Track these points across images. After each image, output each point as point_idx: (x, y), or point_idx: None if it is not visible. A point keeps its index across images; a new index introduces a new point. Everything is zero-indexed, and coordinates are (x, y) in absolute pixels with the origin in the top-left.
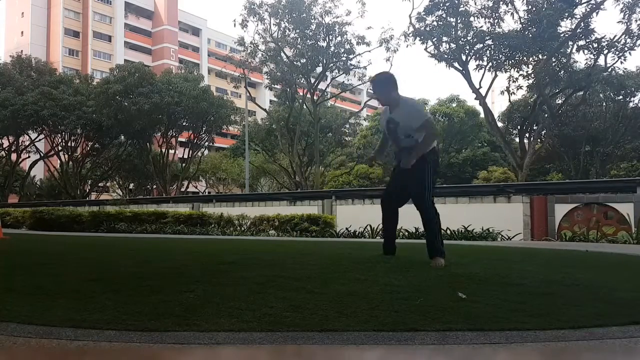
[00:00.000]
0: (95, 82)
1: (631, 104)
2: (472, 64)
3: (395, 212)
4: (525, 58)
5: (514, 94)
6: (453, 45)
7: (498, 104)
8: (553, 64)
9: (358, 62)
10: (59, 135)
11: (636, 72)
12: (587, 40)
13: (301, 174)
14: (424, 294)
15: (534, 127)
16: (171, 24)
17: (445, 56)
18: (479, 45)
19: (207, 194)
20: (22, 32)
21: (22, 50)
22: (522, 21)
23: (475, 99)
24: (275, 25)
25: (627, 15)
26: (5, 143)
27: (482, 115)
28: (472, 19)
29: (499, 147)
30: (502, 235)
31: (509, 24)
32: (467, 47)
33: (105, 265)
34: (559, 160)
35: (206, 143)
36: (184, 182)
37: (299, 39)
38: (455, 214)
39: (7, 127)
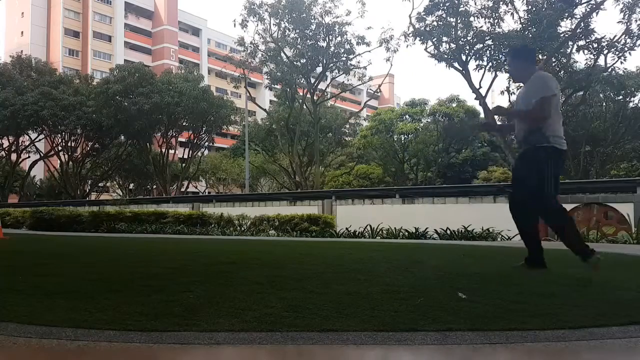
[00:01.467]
0: (95, 82)
1: (631, 104)
2: (472, 64)
3: (525, 213)
4: None
5: (514, 94)
6: (453, 45)
7: (498, 104)
8: (553, 64)
9: (358, 62)
10: (59, 135)
11: (636, 72)
12: (587, 40)
13: (301, 174)
14: (424, 294)
15: None
16: (171, 24)
17: (445, 56)
18: (479, 45)
19: (207, 194)
20: (22, 32)
21: (22, 51)
22: (522, 21)
23: (475, 99)
24: (275, 25)
25: (627, 15)
26: (5, 143)
27: (482, 115)
28: (472, 19)
29: (499, 147)
30: (502, 235)
31: (509, 24)
32: (467, 47)
33: (105, 265)
34: None
35: (206, 143)
36: (184, 182)
37: (299, 39)
38: (455, 214)
39: (7, 127)
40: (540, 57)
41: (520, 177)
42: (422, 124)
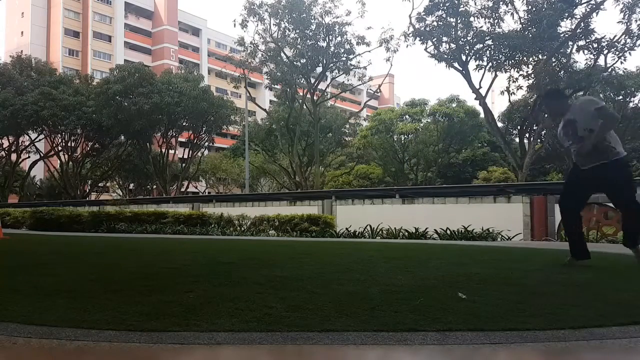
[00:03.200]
0: (95, 82)
1: (631, 104)
2: (472, 64)
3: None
4: (525, 58)
5: (514, 94)
6: (453, 46)
7: (498, 104)
8: (553, 64)
9: (358, 62)
10: (59, 135)
11: (636, 72)
12: (587, 41)
13: (301, 174)
14: (424, 294)
15: (534, 127)
16: (171, 24)
17: (445, 56)
18: (479, 46)
19: (207, 194)
20: (22, 32)
21: (22, 51)
22: (522, 21)
23: (475, 99)
24: (275, 26)
25: (627, 16)
26: (5, 143)
27: (482, 115)
28: (472, 19)
29: (499, 147)
30: (502, 235)
31: (509, 24)
32: (467, 47)
33: (105, 265)
34: (559, 160)
35: (206, 143)
36: (184, 182)
37: (299, 39)
38: (455, 214)
39: (7, 127)
40: (540, 57)
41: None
42: (422, 124)
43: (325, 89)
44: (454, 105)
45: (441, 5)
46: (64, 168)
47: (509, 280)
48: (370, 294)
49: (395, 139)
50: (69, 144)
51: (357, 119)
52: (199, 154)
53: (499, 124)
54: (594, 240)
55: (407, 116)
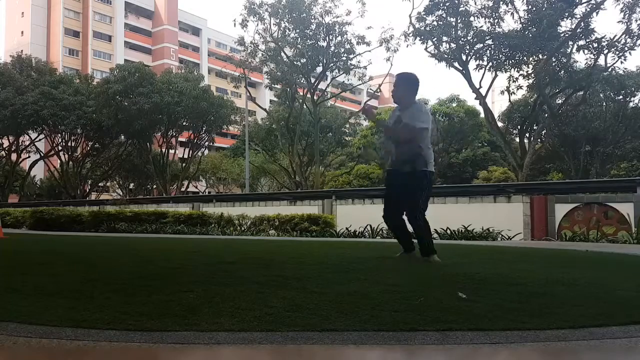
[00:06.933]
0: (95, 82)
1: (631, 104)
2: (472, 64)
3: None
4: (525, 58)
5: (514, 93)
6: (453, 45)
7: (498, 104)
8: (553, 64)
9: (358, 62)
10: (59, 135)
11: (636, 72)
12: (587, 40)
13: (301, 174)
14: (424, 294)
15: (534, 127)
16: (171, 24)
17: (445, 56)
18: (479, 45)
19: (207, 193)
20: (22, 32)
21: (22, 50)
22: (522, 21)
23: (476, 98)
24: (275, 25)
25: (627, 15)
26: (5, 143)
27: (482, 115)
28: (472, 18)
29: (499, 147)
30: (502, 235)
31: (509, 23)
32: (467, 47)
33: (105, 265)
34: (559, 160)
35: (206, 143)
36: (184, 182)
37: (299, 39)
38: (455, 214)
39: (7, 127)
40: (540, 57)
41: (402, 194)
42: None
43: (326, 88)
44: (454, 104)
45: (441, 4)
46: (64, 168)
47: (509, 280)
48: (370, 294)
49: None
50: (69, 144)
51: (357, 118)
52: (199, 153)
53: (499, 124)
54: (594, 240)
55: None
